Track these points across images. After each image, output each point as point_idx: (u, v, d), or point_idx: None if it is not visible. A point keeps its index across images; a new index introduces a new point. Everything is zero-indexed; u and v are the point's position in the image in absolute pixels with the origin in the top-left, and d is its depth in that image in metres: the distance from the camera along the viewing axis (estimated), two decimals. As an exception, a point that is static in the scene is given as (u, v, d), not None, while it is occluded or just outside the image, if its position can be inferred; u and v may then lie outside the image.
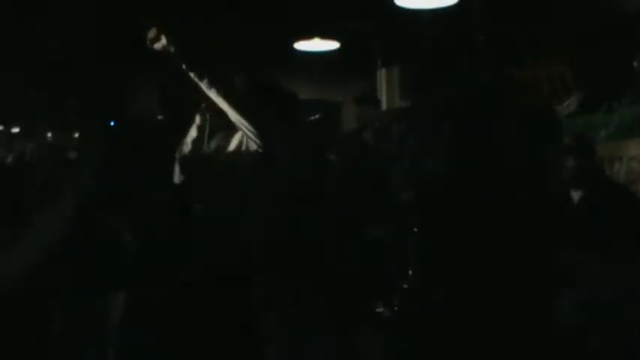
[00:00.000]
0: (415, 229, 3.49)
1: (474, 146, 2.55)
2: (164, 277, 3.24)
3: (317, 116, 5.15)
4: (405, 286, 3.88)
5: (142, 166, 4.25)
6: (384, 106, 6.89)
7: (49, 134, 9.39)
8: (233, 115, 3.07)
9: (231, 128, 3.20)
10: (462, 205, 2.53)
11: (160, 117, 7.27)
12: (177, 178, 3.41)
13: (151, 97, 8.04)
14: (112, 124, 8.53)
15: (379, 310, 4.28)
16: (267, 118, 3.14)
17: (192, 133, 3.39)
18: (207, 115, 3.32)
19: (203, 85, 3.03)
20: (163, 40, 2.99)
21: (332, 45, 6.50)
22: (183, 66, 3.01)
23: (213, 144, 3.32)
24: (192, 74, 3.02)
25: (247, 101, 3.12)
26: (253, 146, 3.10)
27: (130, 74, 8.04)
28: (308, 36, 6.35)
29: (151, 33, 3.01)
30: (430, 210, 2.72)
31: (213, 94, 3.04)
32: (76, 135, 9.33)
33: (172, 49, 2.99)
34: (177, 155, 3.43)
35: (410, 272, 3.70)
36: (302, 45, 6.49)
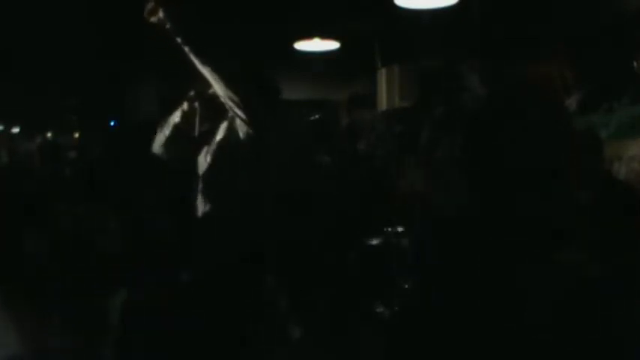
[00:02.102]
0: (415, 230, 3.49)
1: (487, 148, 2.53)
2: (162, 277, 3.23)
3: (317, 116, 5.15)
4: (406, 286, 3.88)
5: (141, 165, 4.24)
6: (383, 106, 6.88)
7: (49, 134, 9.39)
8: (223, 95, 3.06)
9: (221, 113, 3.18)
10: (468, 206, 2.52)
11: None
12: (156, 147, 3.36)
13: (151, 97, 8.04)
14: (112, 124, 8.56)
15: (379, 310, 4.27)
16: (258, 99, 3.13)
17: (175, 117, 3.33)
18: (196, 103, 3.30)
19: (197, 62, 3.01)
20: (160, 13, 2.98)
21: (332, 45, 6.49)
22: (179, 40, 2.98)
23: (202, 130, 3.29)
24: (186, 49, 3.00)
25: (239, 81, 3.10)
26: (243, 128, 3.08)
27: (129, 74, 8.04)
28: (308, 36, 6.34)
29: (149, 4, 3.00)
30: (435, 211, 2.71)
31: (206, 71, 3.02)
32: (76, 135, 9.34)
33: (169, 23, 2.98)
34: (157, 132, 3.38)
35: (410, 272, 3.69)
36: (302, 45, 6.48)
